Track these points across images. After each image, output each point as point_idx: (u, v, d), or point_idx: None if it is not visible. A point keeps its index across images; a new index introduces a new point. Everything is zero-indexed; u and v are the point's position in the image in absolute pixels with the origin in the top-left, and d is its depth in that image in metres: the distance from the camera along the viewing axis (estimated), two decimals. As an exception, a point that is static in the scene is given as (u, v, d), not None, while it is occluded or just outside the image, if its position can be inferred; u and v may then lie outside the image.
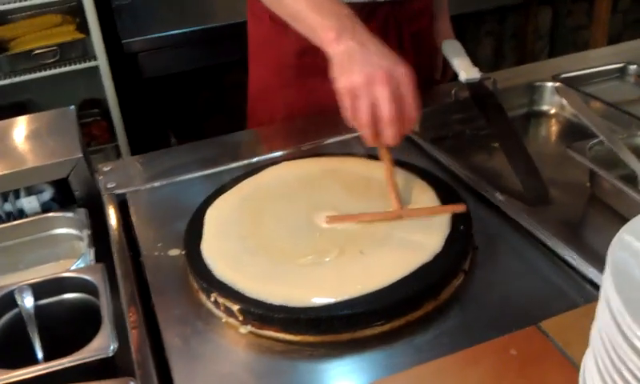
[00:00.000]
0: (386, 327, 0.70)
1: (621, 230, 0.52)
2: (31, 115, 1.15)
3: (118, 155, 2.39)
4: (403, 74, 0.81)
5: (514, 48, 3.40)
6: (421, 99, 0.83)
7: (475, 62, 1.16)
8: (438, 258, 0.75)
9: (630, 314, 0.45)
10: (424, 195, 0.87)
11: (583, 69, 1.26)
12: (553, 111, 1.21)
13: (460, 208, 0.81)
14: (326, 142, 1.10)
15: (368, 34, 0.86)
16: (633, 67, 1.27)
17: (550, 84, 1.20)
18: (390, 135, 0.81)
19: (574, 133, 1.13)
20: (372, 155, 0.97)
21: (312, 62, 1.15)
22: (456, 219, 0.81)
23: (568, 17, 3.28)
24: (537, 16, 3.27)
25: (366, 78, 0.80)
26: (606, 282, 0.49)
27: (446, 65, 1.38)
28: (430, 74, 1.37)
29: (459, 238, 0.78)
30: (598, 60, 1.33)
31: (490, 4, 3.03)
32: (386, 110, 0.79)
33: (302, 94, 1.20)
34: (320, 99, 1.10)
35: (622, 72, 1.28)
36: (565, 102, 1.01)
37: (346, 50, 0.84)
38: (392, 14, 1.17)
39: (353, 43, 0.84)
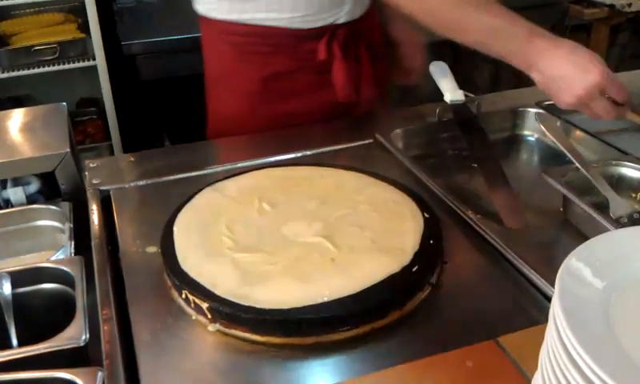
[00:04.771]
0: (351, 333, 0.72)
1: (569, 255, 0.55)
2: (24, 109, 1.17)
3: (111, 154, 2.41)
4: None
5: (510, 74, 3.42)
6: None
7: (472, 85, 1.18)
8: (406, 269, 0.77)
9: (576, 336, 0.47)
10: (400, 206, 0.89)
11: (567, 97, 1.28)
12: (534, 136, 1.24)
13: None
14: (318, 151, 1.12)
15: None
16: (616, 99, 1.29)
17: (532, 110, 1.22)
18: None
19: (553, 158, 1.15)
20: (344, 166, 1.00)
21: (276, 87, 1.20)
22: (426, 234, 0.83)
23: (566, 47, 3.31)
24: (535, 44, 3.31)
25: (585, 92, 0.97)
26: (554, 305, 0.51)
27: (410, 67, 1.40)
28: (385, 85, 1.39)
29: (428, 252, 0.80)
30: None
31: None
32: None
33: (267, 118, 1.22)
34: (285, 121, 1.19)
35: (605, 103, 1.30)
36: (543, 127, 1.03)
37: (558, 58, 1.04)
38: (350, 33, 1.21)
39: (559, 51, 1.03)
